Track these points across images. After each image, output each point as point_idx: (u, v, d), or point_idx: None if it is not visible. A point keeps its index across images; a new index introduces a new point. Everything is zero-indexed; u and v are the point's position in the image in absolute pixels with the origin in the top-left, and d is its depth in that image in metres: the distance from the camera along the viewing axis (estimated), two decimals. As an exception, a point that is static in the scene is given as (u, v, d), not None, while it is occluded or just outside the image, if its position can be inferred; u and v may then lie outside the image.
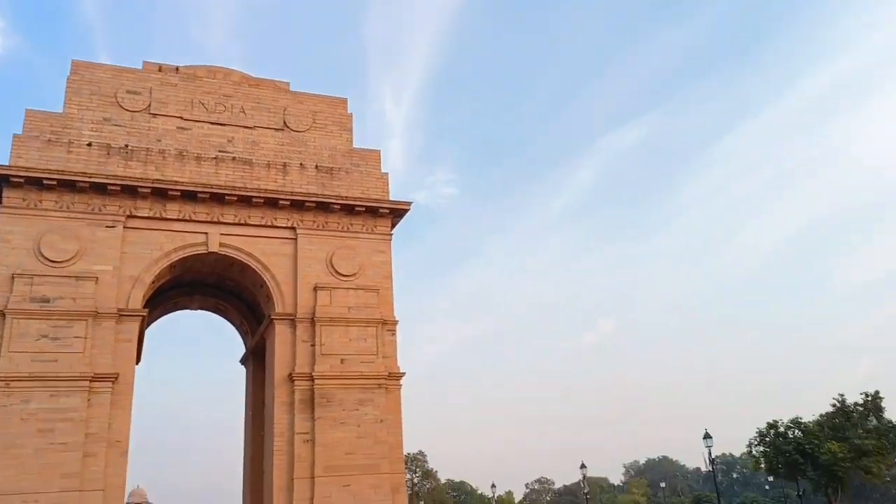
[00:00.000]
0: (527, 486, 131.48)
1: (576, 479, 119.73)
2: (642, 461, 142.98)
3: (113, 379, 30.93)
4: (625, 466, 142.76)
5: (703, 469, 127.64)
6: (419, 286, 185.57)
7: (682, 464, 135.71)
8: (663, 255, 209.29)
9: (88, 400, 30.04)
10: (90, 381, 30.20)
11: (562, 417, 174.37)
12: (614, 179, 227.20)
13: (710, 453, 36.84)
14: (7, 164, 31.35)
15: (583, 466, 38.83)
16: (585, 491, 46.49)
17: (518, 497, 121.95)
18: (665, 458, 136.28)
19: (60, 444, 28.94)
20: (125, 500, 62.25)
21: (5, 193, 31.27)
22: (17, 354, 29.36)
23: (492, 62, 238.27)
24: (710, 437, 36.57)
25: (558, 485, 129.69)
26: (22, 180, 31.15)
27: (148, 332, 42.67)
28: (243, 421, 43.64)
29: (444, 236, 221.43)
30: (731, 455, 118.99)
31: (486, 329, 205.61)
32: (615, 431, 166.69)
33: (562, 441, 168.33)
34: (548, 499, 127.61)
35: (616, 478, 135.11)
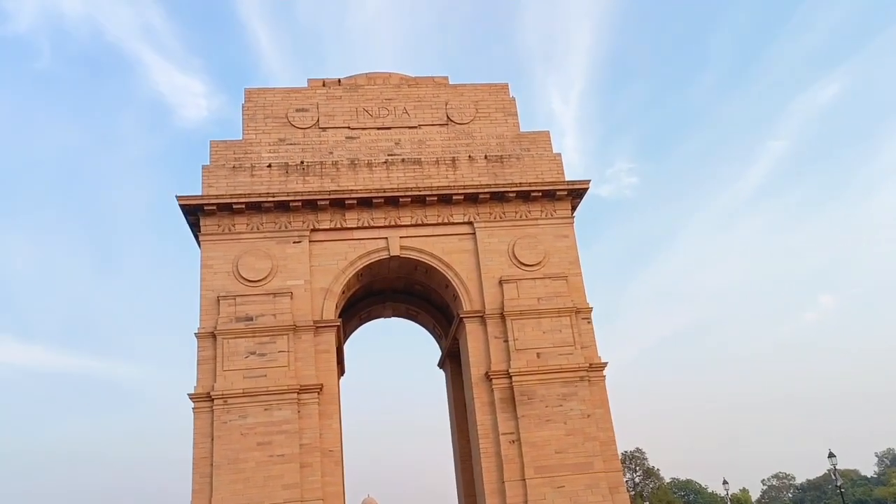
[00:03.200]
0: (763, 482, 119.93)
1: (820, 473, 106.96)
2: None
3: (318, 390, 31.56)
4: (878, 456, 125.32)
5: None
6: (612, 282, 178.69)
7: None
8: (882, 218, 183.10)
9: (298, 412, 30.84)
10: (298, 392, 31.02)
11: (793, 405, 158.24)
12: (813, 142, 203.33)
13: None
14: (200, 194, 33.50)
15: (831, 455, 33.31)
16: (839, 484, 40.17)
17: (755, 495, 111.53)
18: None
19: (279, 455, 29.86)
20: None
21: (203, 222, 33.35)
22: (230, 373, 30.88)
23: (657, 36, 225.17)
24: None
25: (800, 479, 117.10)
26: (214, 207, 33.05)
27: (349, 343, 43.85)
28: (448, 424, 43.26)
29: (631, 228, 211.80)
30: None
31: (689, 320, 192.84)
32: (862, 417, 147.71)
33: (799, 431, 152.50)
34: (789, 495, 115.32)
35: (868, 469, 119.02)
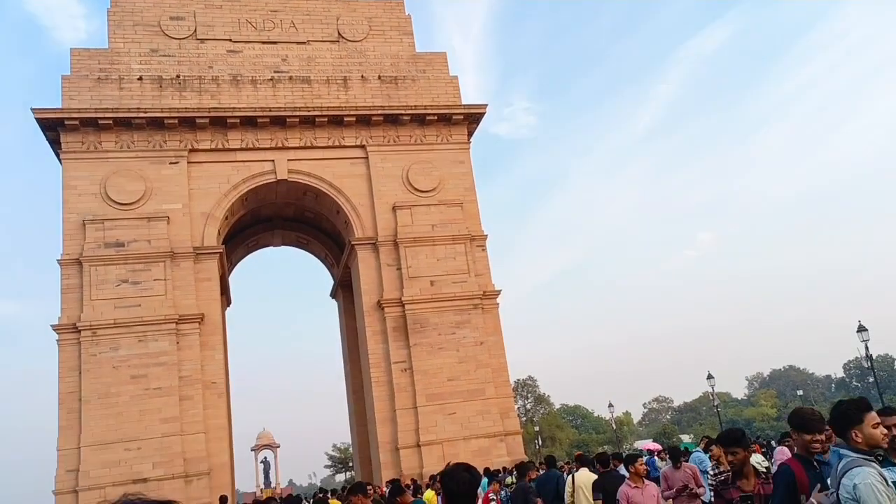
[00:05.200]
0: (644, 405, 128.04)
1: (695, 396, 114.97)
2: (766, 373, 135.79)
3: (199, 320, 29.81)
4: (748, 379, 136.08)
5: (837, 375, 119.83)
6: (508, 221, 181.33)
7: (811, 371, 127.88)
8: (763, 158, 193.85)
9: (177, 343, 29.08)
10: (176, 323, 29.18)
11: (671, 336, 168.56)
12: (701, 86, 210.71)
13: (866, 348, 32.09)
14: (60, 107, 30.11)
15: (710, 377, 35.09)
16: (716, 403, 42.77)
17: (637, 418, 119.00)
18: (791, 367, 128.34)
19: (155, 388, 28.18)
20: (254, 444, 64.27)
21: (64, 139, 30.10)
22: (99, 302, 28.55)
23: None
24: (866, 330, 31.76)
25: (677, 402, 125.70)
26: (77, 122, 29.82)
27: (236, 273, 41.85)
28: (341, 355, 42.52)
29: (527, 168, 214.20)
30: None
31: (580, 256, 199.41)
32: (732, 345, 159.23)
33: (676, 359, 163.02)
34: (668, 417, 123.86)
35: (739, 392, 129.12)
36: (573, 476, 11.26)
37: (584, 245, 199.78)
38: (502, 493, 15.47)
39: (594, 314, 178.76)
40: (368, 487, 7.24)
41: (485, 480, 15.25)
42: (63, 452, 26.29)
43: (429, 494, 15.95)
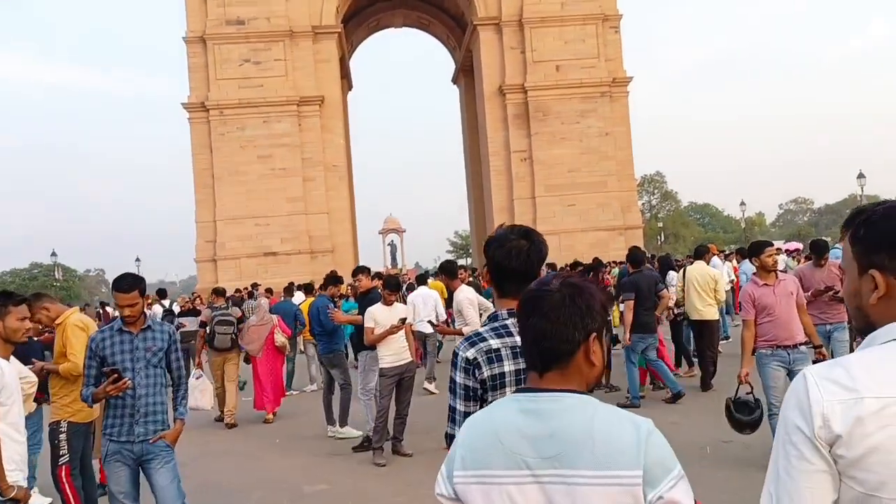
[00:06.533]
0: (780, 206, 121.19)
1: (841, 198, 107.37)
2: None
3: (319, 102, 29.77)
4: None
5: None
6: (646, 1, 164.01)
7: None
8: None
9: (299, 125, 29.44)
10: (297, 105, 29.33)
11: (822, 128, 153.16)
12: None
13: None
14: None
15: (861, 176, 31.55)
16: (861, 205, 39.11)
17: (770, 219, 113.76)
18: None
19: (280, 169, 29.17)
20: (381, 228, 67.86)
21: None
22: (224, 82, 28.93)
23: None
24: None
25: (819, 203, 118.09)
26: None
27: (358, 55, 41.02)
28: (461, 143, 42.00)
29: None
30: None
31: (728, 45, 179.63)
32: (890, 146, 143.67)
33: (825, 156, 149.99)
34: (805, 219, 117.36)
35: (891, 194, 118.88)
36: (685, 269, 10.30)
37: (733, 32, 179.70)
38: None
39: (737, 108, 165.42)
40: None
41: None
42: (201, 224, 28.39)
43: (436, 285, 12.31)
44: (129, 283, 3.73)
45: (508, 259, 2.29)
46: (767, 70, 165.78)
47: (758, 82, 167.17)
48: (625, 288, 8.66)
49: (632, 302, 8.36)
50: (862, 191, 33.65)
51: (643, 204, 67.84)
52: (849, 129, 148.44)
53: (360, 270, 7.89)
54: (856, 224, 1.28)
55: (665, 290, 9.00)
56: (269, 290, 16.59)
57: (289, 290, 13.39)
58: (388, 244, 65.02)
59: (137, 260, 56.93)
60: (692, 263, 10.54)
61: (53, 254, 42.13)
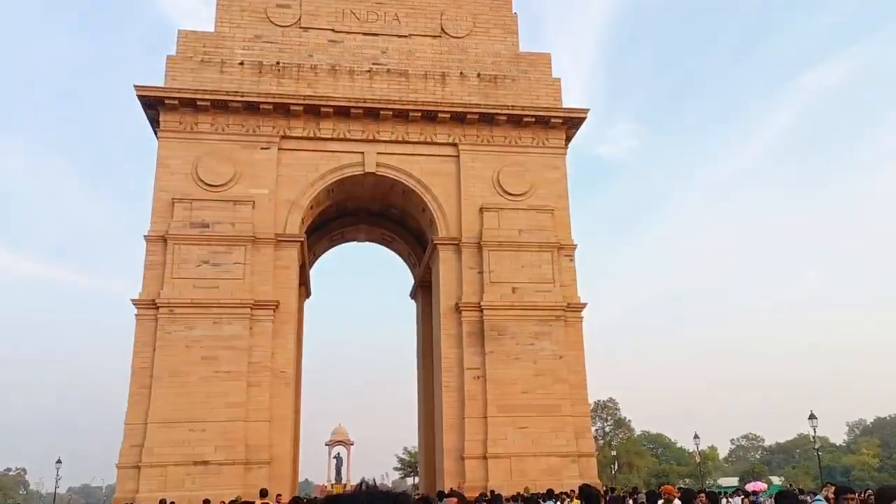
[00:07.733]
0: (732, 441, 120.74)
1: (790, 437, 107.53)
2: (870, 420, 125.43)
3: (273, 307, 29.58)
4: (848, 425, 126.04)
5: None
6: (602, 242, 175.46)
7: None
8: (875, 202, 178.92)
9: (251, 328, 28.95)
10: (251, 308, 29.06)
11: (768, 373, 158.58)
12: (815, 121, 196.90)
13: None
14: (162, 86, 30.62)
15: (812, 417, 31.58)
16: (816, 446, 38.84)
17: (723, 454, 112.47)
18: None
19: (225, 372, 28.10)
20: (328, 439, 64.63)
21: (162, 118, 30.61)
22: (179, 281, 28.76)
23: (672, 3, 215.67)
24: None
25: (769, 442, 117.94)
26: (176, 102, 30.21)
27: (319, 266, 41.77)
28: (415, 357, 41.62)
29: (626, 190, 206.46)
30: None
31: (675, 284, 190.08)
32: (833, 389, 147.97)
33: (771, 399, 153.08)
34: (757, 456, 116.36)
35: (838, 438, 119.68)
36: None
37: (678, 276, 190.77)
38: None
39: (685, 346, 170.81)
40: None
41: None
42: (129, 427, 26.55)
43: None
44: None
45: None
46: (716, 308, 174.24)
47: (708, 318, 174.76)
48: None
49: None
50: (815, 431, 33.61)
51: (597, 430, 66.74)
52: (797, 374, 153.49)
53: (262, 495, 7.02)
54: None
55: None
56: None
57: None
58: (335, 457, 61.60)
59: (59, 462, 52.45)
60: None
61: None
